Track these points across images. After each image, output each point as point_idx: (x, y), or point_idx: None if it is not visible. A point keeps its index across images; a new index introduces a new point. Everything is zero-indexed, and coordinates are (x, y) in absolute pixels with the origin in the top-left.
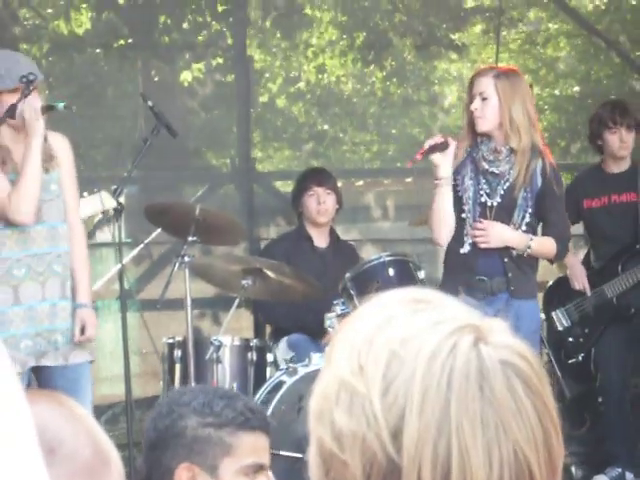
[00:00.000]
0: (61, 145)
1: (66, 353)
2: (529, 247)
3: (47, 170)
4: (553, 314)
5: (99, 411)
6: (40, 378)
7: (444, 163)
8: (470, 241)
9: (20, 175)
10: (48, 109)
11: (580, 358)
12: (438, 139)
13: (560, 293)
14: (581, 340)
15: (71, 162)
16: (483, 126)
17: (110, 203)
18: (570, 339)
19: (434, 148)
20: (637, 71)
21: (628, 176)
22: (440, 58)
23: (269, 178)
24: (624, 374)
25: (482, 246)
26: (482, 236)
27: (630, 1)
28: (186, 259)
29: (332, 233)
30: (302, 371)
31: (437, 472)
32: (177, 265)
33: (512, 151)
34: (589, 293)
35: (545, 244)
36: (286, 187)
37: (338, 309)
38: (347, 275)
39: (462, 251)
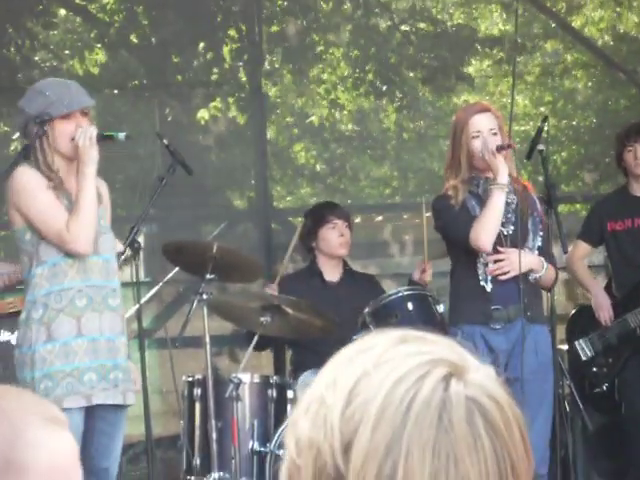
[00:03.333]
0: (103, 188)
1: (125, 392)
2: (545, 269)
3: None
4: (576, 344)
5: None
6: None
7: (505, 168)
8: (490, 277)
9: (76, 204)
10: (105, 138)
11: (604, 388)
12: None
13: (582, 322)
14: (605, 370)
15: (109, 206)
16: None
17: (118, 247)
18: (594, 369)
19: (507, 147)
20: None
21: None
22: (456, 92)
23: (286, 214)
24: None
25: (503, 277)
26: (504, 266)
27: None
28: (204, 297)
29: (344, 266)
30: None
31: None
32: (195, 303)
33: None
34: (611, 323)
35: (551, 269)
36: None
37: None
38: (366, 310)
39: (487, 290)
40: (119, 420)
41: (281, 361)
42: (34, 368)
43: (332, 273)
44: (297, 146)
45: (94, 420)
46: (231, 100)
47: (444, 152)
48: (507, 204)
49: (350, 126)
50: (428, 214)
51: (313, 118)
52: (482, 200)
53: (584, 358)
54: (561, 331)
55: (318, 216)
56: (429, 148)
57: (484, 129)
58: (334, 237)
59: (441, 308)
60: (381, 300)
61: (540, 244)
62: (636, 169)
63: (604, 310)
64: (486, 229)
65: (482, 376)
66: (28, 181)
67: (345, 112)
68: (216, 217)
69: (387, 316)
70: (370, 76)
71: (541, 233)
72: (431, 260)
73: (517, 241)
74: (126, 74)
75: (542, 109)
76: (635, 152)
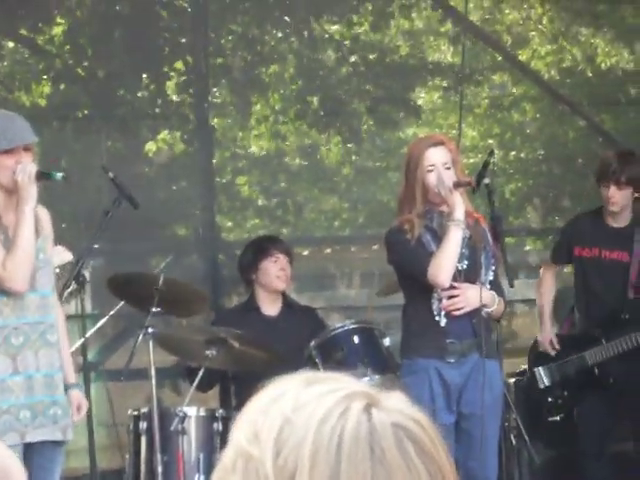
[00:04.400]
0: (44, 217)
1: (64, 428)
2: (496, 303)
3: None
4: (535, 371)
5: None
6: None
7: (461, 204)
8: (443, 312)
9: (14, 241)
10: (43, 176)
11: (558, 419)
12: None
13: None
14: (560, 402)
15: (52, 235)
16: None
17: (67, 256)
18: (549, 399)
19: (466, 184)
20: (602, 135)
21: (624, 234)
22: (405, 124)
23: (234, 247)
24: (604, 439)
25: (457, 313)
26: (458, 302)
27: (593, 64)
28: (150, 330)
29: (284, 299)
30: None
31: None
32: (141, 336)
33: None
34: (552, 353)
35: (501, 302)
36: None
37: None
38: (312, 343)
39: (441, 324)
40: (57, 455)
41: (227, 394)
42: None
43: (271, 307)
44: (244, 178)
45: (32, 455)
46: (177, 133)
47: (393, 184)
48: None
49: (298, 159)
50: (376, 246)
51: (260, 151)
52: (437, 234)
53: (541, 386)
54: (507, 365)
55: (260, 248)
56: (379, 180)
57: (438, 163)
58: (275, 270)
59: (387, 342)
60: (327, 333)
61: (492, 278)
62: (609, 207)
63: (546, 346)
64: (444, 265)
65: (397, 401)
66: None
67: (294, 145)
68: (163, 249)
69: (333, 349)
70: (318, 109)
71: (493, 267)
72: (385, 296)
73: (472, 276)
74: (73, 106)
75: (490, 141)
76: (608, 192)
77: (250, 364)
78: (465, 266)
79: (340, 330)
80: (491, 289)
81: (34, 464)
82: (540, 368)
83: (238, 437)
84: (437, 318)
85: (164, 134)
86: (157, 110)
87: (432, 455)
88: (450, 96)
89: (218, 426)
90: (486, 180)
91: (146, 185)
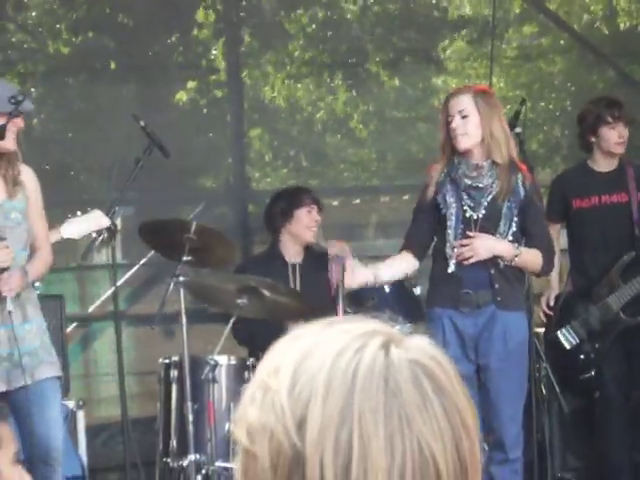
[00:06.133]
0: (29, 177)
1: (32, 371)
2: (516, 255)
3: (10, 197)
4: (559, 333)
5: (96, 432)
6: (9, 398)
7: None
8: (454, 261)
9: None
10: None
11: (593, 373)
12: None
13: (561, 311)
14: (592, 356)
15: (39, 194)
16: (465, 144)
17: (104, 222)
18: (581, 356)
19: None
20: (631, 85)
21: (616, 176)
22: (434, 74)
23: (264, 196)
24: (624, 387)
25: (470, 261)
26: (465, 251)
27: (623, 18)
28: (181, 279)
29: (306, 247)
30: None
31: (339, 459)
32: (172, 285)
33: (493, 165)
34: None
35: (532, 254)
36: None
37: None
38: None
39: (449, 271)
40: (43, 388)
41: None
42: None
43: (294, 255)
44: (274, 129)
45: (18, 397)
46: (208, 82)
47: (422, 134)
48: (480, 188)
49: (327, 109)
50: (406, 197)
51: (288, 102)
52: (457, 183)
53: (568, 347)
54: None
55: (296, 197)
56: (408, 131)
57: (455, 112)
58: (308, 220)
59: (417, 291)
60: None
61: (514, 230)
62: (617, 148)
63: (542, 304)
64: None
65: (419, 341)
66: None
67: (322, 96)
68: (193, 199)
69: (364, 298)
70: (345, 59)
71: (516, 219)
72: None
73: (488, 226)
74: (101, 55)
75: (518, 92)
76: (619, 131)
77: (280, 313)
78: (481, 215)
79: None
80: (512, 241)
81: (27, 399)
82: (562, 330)
83: (260, 372)
84: (449, 268)
85: (194, 84)
86: (187, 59)
87: (448, 391)
88: (478, 46)
89: (249, 375)
90: (517, 129)
91: (176, 135)
